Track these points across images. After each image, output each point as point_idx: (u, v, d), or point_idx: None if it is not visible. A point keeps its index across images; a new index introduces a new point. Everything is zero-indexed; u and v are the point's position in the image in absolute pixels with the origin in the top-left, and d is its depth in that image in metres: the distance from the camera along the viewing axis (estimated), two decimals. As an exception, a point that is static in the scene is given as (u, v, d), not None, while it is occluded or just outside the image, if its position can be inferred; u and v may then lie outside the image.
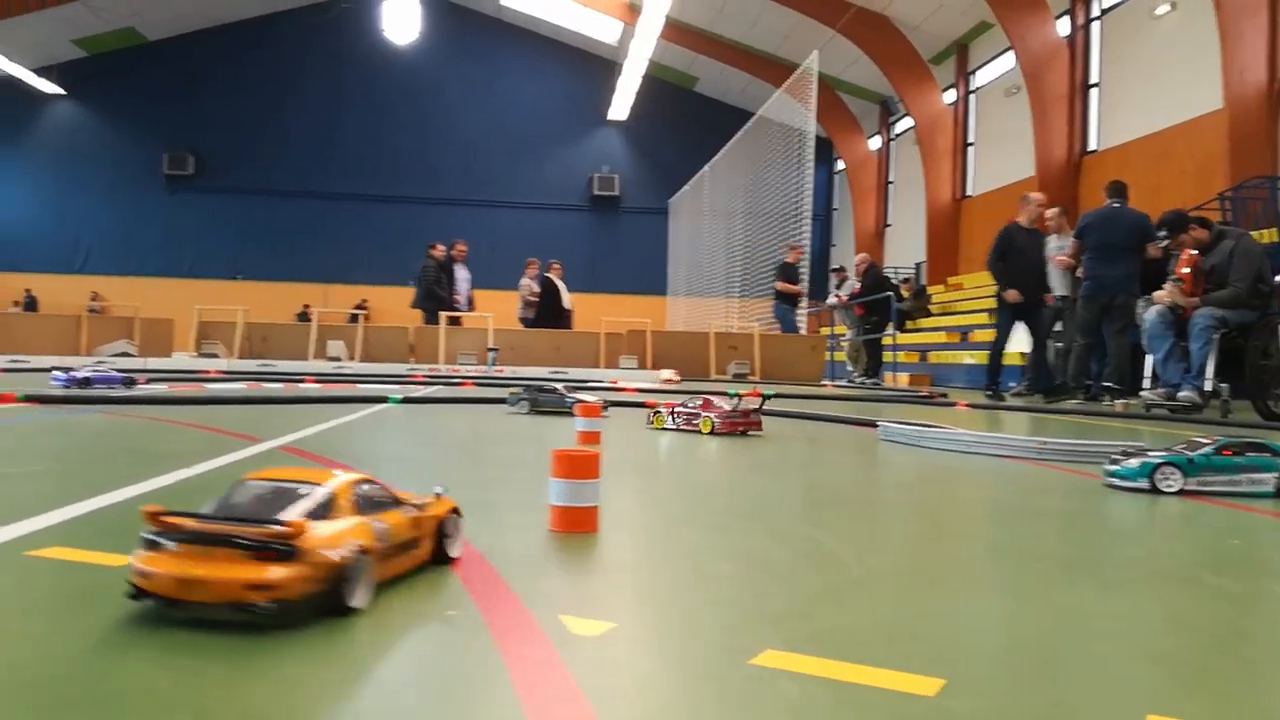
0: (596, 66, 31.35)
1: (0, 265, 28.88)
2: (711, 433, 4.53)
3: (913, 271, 25.10)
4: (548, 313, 16.46)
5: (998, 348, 10.33)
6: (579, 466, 2.06)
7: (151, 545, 1.29)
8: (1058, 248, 11.01)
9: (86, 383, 7.53)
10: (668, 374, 13.76)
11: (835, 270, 18.28)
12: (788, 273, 16.64)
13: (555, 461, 2.06)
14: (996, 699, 1.14)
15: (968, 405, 8.24)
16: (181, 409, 5.40)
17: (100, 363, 13.43)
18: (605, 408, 5.61)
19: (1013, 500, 3.04)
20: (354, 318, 15.89)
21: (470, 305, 16.59)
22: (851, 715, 1.06)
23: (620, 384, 11.31)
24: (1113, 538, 2.45)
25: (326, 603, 1.30)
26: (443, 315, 14.96)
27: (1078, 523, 2.63)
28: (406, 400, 6.43)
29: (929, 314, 20.22)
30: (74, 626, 1.29)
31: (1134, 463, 3.07)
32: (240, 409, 5.71)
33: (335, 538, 1.33)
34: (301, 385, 9.03)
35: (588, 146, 32.55)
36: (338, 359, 14.31)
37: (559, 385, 5.70)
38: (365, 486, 1.49)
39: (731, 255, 25.39)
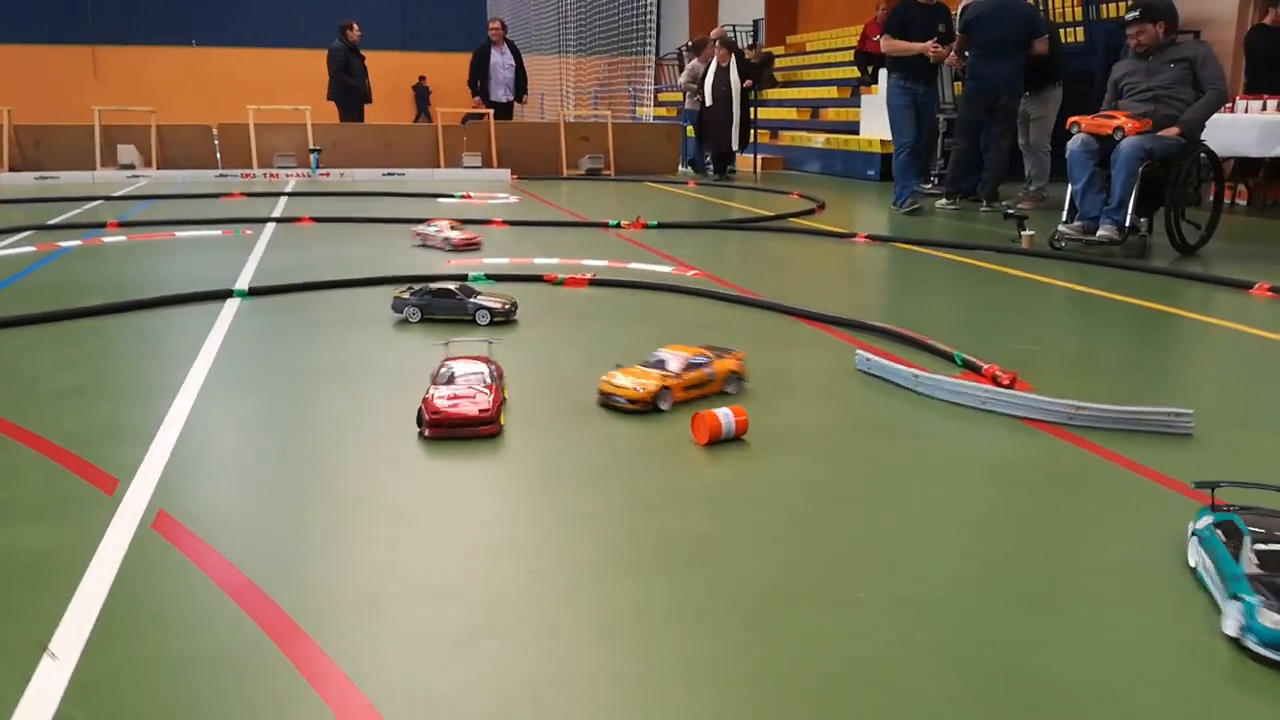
0: None
1: None
2: None
3: (750, 30, 23.85)
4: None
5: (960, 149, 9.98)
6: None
7: None
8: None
9: None
10: (502, 197, 12.61)
11: (688, 47, 16.91)
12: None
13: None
14: None
15: (866, 238, 7.74)
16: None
17: None
18: (513, 310, 4.76)
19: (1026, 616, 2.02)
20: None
21: (514, 99, 14.21)
22: None
23: (472, 196, 10.21)
24: None
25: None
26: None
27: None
28: (255, 292, 5.30)
29: (775, 84, 19.26)
30: None
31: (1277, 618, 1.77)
32: (27, 337, 4.47)
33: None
34: (105, 241, 7.52)
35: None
36: (131, 167, 12.27)
37: (453, 287, 4.77)
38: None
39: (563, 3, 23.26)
